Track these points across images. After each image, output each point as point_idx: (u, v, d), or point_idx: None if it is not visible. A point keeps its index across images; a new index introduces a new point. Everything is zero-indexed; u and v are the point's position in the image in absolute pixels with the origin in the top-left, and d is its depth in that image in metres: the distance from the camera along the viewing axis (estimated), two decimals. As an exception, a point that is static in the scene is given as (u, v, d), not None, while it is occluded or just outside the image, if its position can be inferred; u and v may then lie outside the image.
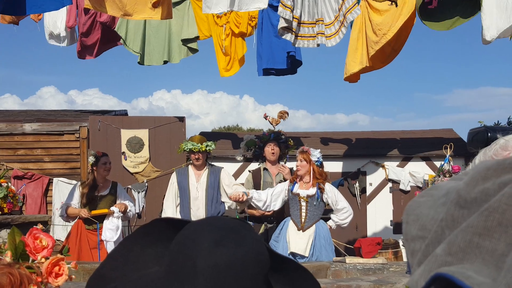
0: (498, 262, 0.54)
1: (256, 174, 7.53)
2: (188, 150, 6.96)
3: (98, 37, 9.62)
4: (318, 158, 6.62)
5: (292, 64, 9.50)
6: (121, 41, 9.50)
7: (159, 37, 9.51)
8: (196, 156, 6.95)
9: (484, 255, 0.56)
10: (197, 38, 9.45)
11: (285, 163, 7.74)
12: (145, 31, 9.53)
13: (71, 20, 9.55)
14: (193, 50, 9.59)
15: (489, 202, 0.57)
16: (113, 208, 7.02)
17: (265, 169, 7.51)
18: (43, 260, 1.88)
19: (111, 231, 6.94)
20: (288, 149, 7.73)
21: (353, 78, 8.90)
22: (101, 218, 7.03)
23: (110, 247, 6.89)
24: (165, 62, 9.57)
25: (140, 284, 0.99)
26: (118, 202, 7.23)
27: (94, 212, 7.01)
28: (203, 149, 6.93)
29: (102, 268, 1.06)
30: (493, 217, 0.56)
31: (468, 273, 0.54)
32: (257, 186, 7.29)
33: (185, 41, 9.46)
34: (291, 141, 7.73)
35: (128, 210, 7.18)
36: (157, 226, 1.09)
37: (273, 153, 7.40)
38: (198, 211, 6.92)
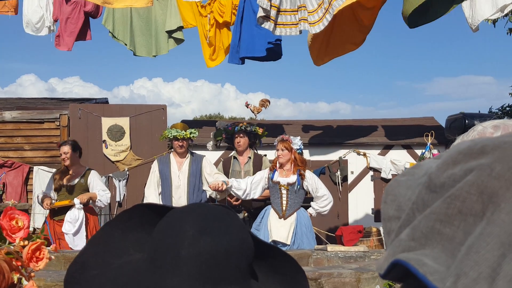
0: (454, 250, 0.55)
1: (226, 163, 7.56)
2: (172, 137, 6.92)
3: (76, 29, 9.61)
4: (299, 146, 6.64)
5: (273, 52, 9.46)
6: (109, 34, 9.54)
7: (149, 29, 9.57)
8: (180, 143, 6.92)
9: (444, 242, 0.56)
10: (181, 28, 9.46)
11: (256, 150, 7.78)
12: (133, 22, 9.56)
13: (56, 12, 9.57)
14: (179, 40, 9.62)
15: (453, 188, 0.58)
16: (75, 200, 6.93)
17: (234, 157, 7.55)
18: (21, 242, 1.86)
19: (69, 223, 6.84)
20: (258, 137, 7.70)
21: (318, 60, 8.88)
22: (66, 209, 6.94)
23: (68, 239, 6.83)
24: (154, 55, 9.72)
25: (121, 272, 0.97)
26: (90, 191, 7.14)
27: (56, 203, 6.93)
28: (188, 136, 6.92)
29: (83, 255, 1.04)
30: (454, 205, 0.56)
31: (424, 260, 0.55)
32: (226, 174, 7.30)
33: (169, 32, 9.49)
34: (259, 129, 7.70)
35: (97, 200, 7.10)
36: (139, 211, 1.07)
37: (239, 144, 7.43)
38: (180, 200, 6.91)
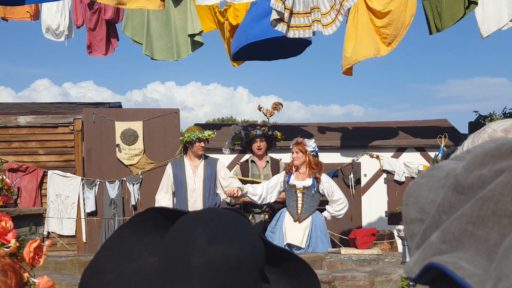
0: (491, 252, 0.54)
1: (243, 167, 7.59)
2: (195, 138, 6.91)
3: (104, 34, 9.83)
4: (314, 148, 6.63)
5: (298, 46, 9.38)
6: (131, 40, 9.69)
7: (169, 33, 9.66)
8: (203, 145, 6.96)
9: (478, 244, 0.56)
10: (201, 32, 9.57)
11: (272, 151, 7.91)
12: (150, 27, 9.67)
13: (79, 19, 9.74)
14: (199, 44, 9.70)
15: (484, 189, 0.57)
16: None
17: (252, 161, 7.62)
18: (16, 243, 1.87)
19: None
20: (276, 140, 7.81)
21: (348, 71, 8.87)
22: None
23: None
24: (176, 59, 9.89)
25: (135, 278, 0.98)
26: None
27: None
28: (211, 136, 6.98)
29: (97, 259, 1.04)
30: (487, 206, 0.56)
31: (460, 263, 0.54)
32: (246, 178, 7.37)
33: (190, 36, 9.59)
34: (278, 133, 7.80)
35: None
36: (152, 214, 1.08)
37: (259, 149, 7.55)
38: (195, 203, 6.90)
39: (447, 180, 0.64)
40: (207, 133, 6.94)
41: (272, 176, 7.23)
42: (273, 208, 7.31)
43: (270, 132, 7.65)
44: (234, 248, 0.93)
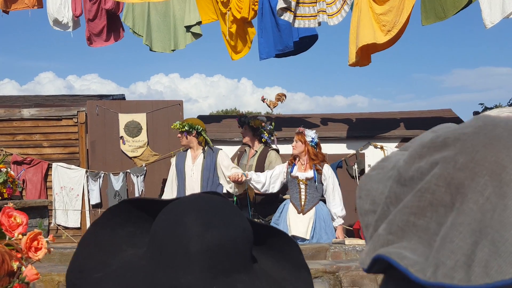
0: (431, 240, 0.58)
1: (239, 155, 7.65)
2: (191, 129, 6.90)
3: (104, 24, 9.84)
4: (312, 138, 6.56)
5: (305, 43, 9.40)
6: (130, 31, 9.70)
7: (167, 24, 9.69)
8: (179, 135, 6.95)
9: (420, 234, 0.60)
10: (199, 23, 9.54)
11: (269, 145, 7.61)
12: (150, 18, 9.70)
13: (78, 9, 9.75)
14: (197, 35, 9.69)
15: (422, 181, 0.61)
16: None
17: (245, 151, 7.65)
18: (20, 236, 1.89)
19: None
20: (260, 129, 7.44)
21: (359, 62, 8.75)
22: None
23: None
24: (173, 50, 9.88)
25: (126, 273, 0.97)
26: None
27: None
28: (181, 129, 6.88)
29: (77, 259, 1.02)
30: (425, 197, 0.60)
31: (404, 253, 0.59)
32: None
33: (188, 27, 9.57)
34: (255, 121, 7.45)
35: None
36: (125, 207, 1.08)
37: (242, 136, 7.56)
38: (193, 192, 6.86)
39: (393, 172, 0.68)
40: (181, 124, 6.93)
41: (256, 167, 7.17)
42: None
43: (243, 119, 7.51)
44: (228, 231, 0.96)
